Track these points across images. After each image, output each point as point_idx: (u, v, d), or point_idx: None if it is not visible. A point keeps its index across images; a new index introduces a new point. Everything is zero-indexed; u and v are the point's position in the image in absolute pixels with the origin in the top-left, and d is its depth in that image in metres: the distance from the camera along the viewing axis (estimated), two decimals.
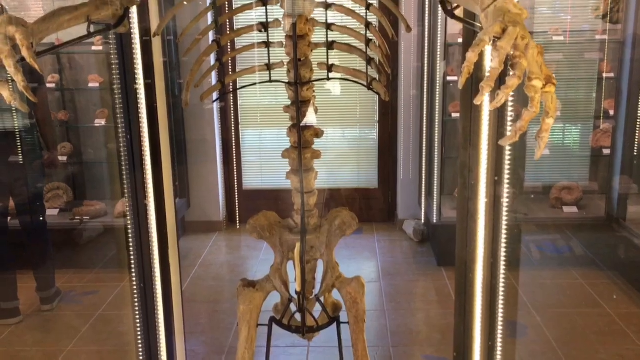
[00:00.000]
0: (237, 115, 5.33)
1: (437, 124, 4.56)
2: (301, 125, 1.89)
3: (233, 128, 5.34)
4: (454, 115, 4.52)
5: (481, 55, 1.87)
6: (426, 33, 4.70)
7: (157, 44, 2.26)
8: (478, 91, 1.01)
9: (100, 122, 4.67)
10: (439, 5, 1.48)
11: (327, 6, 1.83)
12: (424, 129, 4.95)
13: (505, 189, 2.36)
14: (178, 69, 5.07)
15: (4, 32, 1.13)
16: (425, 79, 4.83)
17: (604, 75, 4.47)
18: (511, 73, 1.01)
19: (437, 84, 4.52)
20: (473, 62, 1.00)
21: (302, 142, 1.90)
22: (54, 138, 4.04)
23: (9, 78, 1.17)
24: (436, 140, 4.58)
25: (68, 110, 4.86)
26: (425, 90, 4.86)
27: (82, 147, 4.95)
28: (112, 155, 4.74)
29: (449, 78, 4.53)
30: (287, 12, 1.81)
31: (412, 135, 5.16)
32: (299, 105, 1.86)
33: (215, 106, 5.14)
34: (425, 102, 4.84)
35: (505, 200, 2.37)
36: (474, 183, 2.31)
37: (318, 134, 1.95)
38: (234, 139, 5.37)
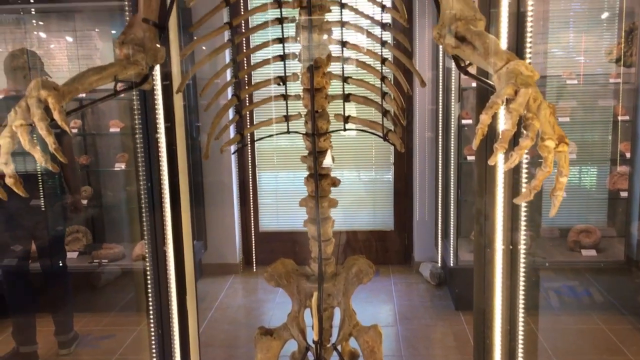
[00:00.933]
0: (254, 158, 5.40)
1: (452, 166, 4.58)
2: (318, 173, 1.92)
3: (250, 170, 5.40)
4: (469, 158, 4.54)
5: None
6: (440, 76, 4.77)
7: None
8: (493, 137, 1.04)
9: (120, 166, 4.76)
10: (452, 61, 1.53)
11: (344, 59, 1.89)
12: (440, 171, 4.98)
13: (522, 236, 2.36)
14: (196, 111, 5.18)
15: (36, 95, 1.19)
16: (440, 122, 4.88)
17: (619, 118, 4.48)
18: (524, 134, 1.04)
19: (452, 127, 4.57)
20: (487, 124, 1.04)
21: (319, 191, 1.93)
22: (77, 183, 4.12)
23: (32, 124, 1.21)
24: (452, 182, 4.60)
25: (89, 154, 4.96)
26: (440, 133, 4.90)
27: (102, 191, 5.03)
28: (132, 198, 4.81)
29: (463, 121, 4.57)
30: (304, 66, 1.87)
31: (428, 177, 5.18)
32: (316, 156, 1.90)
33: (233, 149, 5.21)
34: (440, 144, 4.88)
35: (522, 247, 2.37)
36: (490, 230, 2.31)
37: (335, 183, 1.98)
38: (250, 181, 5.42)
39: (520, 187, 2.19)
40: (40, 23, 4.69)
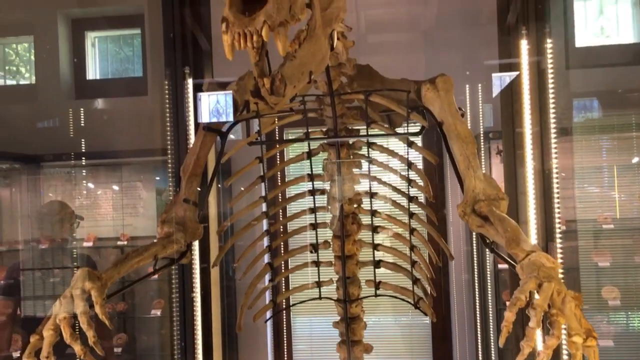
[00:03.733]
0: (289, 302, 5.37)
1: (490, 312, 4.46)
2: (350, 341, 1.92)
3: (284, 314, 5.35)
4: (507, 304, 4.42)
5: None
6: None
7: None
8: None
9: (156, 312, 4.79)
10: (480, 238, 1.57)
11: (374, 229, 1.96)
12: (478, 316, 4.84)
13: None
14: (232, 252, 5.25)
15: (81, 286, 1.26)
16: (476, 263, 4.83)
17: None
18: (550, 332, 1.05)
19: (488, 271, 4.51)
20: (511, 322, 1.05)
21: (352, 358, 1.91)
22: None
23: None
24: (491, 328, 4.45)
25: (127, 299, 5.03)
26: (476, 276, 4.83)
27: (137, 337, 5.02)
28: (165, 344, 4.78)
29: (499, 266, 4.52)
30: (334, 234, 1.94)
31: (467, 321, 5.04)
32: (347, 322, 1.91)
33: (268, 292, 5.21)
34: (477, 288, 4.79)
35: None
36: None
37: (367, 349, 1.97)
38: (285, 325, 5.35)
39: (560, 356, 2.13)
40: (90, 174, 4.99)
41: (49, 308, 1.27)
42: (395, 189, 1.89)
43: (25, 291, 4.88)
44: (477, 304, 4.80)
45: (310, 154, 1.91)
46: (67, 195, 4.86)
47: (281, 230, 1.99)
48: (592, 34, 5.13)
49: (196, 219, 1.68)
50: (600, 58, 4.87)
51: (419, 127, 1.80)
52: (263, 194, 1.86)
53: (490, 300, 4.50)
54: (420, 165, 1.96)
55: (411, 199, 1.85)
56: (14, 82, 5.73)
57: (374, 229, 1.95)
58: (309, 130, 1.89)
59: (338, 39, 1.75)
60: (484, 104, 3.84)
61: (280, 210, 2.02)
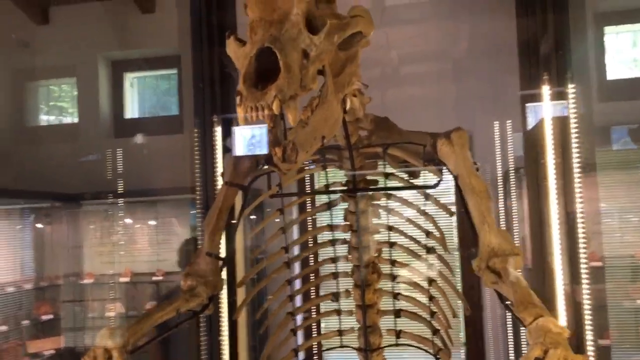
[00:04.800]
0: (311, 350, 5.35)
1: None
2: None
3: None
4: None
5: None
6: None
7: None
8: None
9: None
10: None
11: (394, 277, 1.98)
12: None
13: None
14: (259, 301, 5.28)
15: (103, 346, 1.33)
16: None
17: None
18: None
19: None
20: None
21: None
22: None
23: None
24: None
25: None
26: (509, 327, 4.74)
27: None
28: None
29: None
30: (355, 283, 1.97)
31: None
32: None
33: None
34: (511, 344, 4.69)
35: None
36: None
37: None
38: None
39: None
40: (127, 211, 5.14)
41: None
42: (413, 240, 1.91)
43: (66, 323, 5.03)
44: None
45: (330, 205, 1.96)
46: (105, 232, 5.01)
47: (302, 280, 2.03)
48: (625, 67, 5.09)
49: (218, 272, 1.74)
50: (635, 90, 4.80)
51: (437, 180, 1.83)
52: (284, 244, 1.91)
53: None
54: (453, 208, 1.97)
55: (429, 250, 1.88)
56: (57, 122, 5.98)
57: (394, 278, 1.97)
58: (329, 182, 1.95)
59: (355, 95, 1.80)
60: (508, 143, 3.84)
61: (301, 260, 2.06)
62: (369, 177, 1.96)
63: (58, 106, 6.04)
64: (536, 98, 2.46)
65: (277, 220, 1.94)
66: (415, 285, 1.93)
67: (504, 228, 3.65)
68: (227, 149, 2.38)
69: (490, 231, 1.60)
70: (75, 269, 5.07)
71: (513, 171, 3.90)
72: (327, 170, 1.96)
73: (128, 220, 5.20)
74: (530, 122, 2.53)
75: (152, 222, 5.24)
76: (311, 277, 2.04)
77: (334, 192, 1.93)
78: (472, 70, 4.48)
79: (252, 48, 1.28)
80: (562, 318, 2.44)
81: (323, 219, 2.03)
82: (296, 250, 2.02)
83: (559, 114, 2.35)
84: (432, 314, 1.90)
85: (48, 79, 5.98)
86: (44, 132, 5.85)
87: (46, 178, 4.97)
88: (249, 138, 1.82)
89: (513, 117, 3.56)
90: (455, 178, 1.71)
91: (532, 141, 2.49)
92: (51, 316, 4.96)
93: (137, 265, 5.10)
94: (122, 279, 5.00)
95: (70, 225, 5.05)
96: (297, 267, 1.99)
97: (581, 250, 2.37)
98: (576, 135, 2.33)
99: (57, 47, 5.77)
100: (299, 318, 2.00)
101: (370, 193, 1.94)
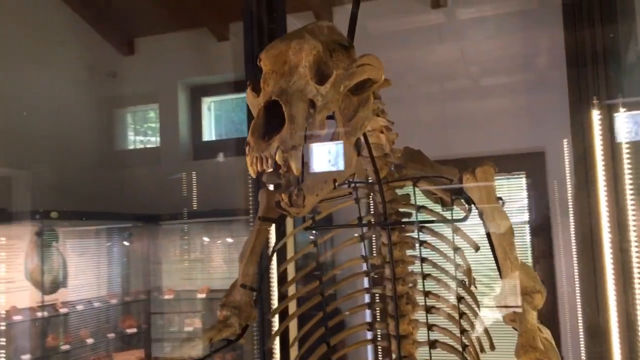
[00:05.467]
0: None
1: None
2: None
3: None
4: None
5: None
6: None
7: None
8: None
9: None
10: None
11: (427, 309, 2.00)
12: None
13: None
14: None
15: None
16: None
17: None
18: None
19: None
20: None
21: None
22: None
23: None
24: None
25: None
26: None
27: None
28: None
29: None
30: (390, 314, 2.00)
31: None
32: None
33: None
34: None
35: None
36: None
37: None
38: None
39: None
40: (203, 230, 5.40)
41: None
42: (444, 272, 1.92)
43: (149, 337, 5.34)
44: None
45: (363, 237, 2.01)
46: (183, 250, 5.28)
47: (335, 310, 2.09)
48: None
49: (252, 303, 1.83)
50: None
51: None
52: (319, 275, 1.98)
53: None
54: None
55: (459, 283, 1.88)
56: (141, 146, 6.38)
57: (428, 310, 1.98)
58: (362, 216, 2.00)
59: (382, 132, 1.86)
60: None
61: (335, 291, 2.12)
62: (401, 210, 1.99)
63: (142, 131, 6.45)
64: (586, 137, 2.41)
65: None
66: (449, 317, 1.94)
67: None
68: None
69: (513, 267, 1.59)
70: (156, 285, 5.38)
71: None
72: (360, 203, 2.01)
73: (205, 239, 5.46)
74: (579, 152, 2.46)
75: (229, 240, 5.45)
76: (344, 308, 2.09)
77: (366, 225, 1.98)
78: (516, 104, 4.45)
79: (262, 100, 1.38)
80: (616, 344, 2.34)
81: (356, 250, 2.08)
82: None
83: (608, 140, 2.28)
84: (464, 347, 1.90)
85: (134, 105, 6.41)
86: (129, 156, 6.27)
87: (129, 201, 5.33)
88: (326, 155, 1.91)
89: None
90: (480, 214, 1.72)
91: (581, 168, 2.42)
92: (135, 330, 5.27)
93: (214, 282, 5.33)
94: (200, 295, 5.24)
95: (152, 243, 5.37)
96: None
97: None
98: (629, 164, 2.25)
99: (142, 75, 6.19)
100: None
101: (403, 225, 1.98)
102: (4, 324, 4.08)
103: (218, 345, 1.76)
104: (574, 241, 3.13)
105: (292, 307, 2.23)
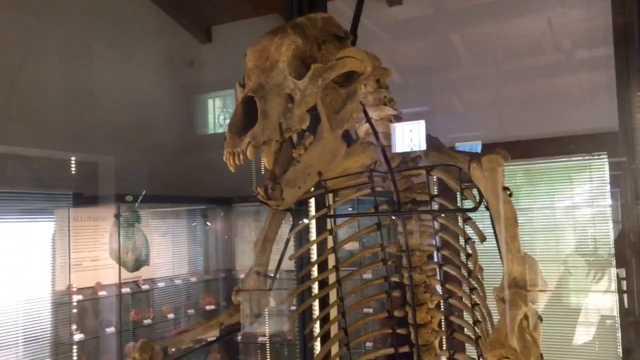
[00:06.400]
0: None
1: None
2: None
3: None
4: None
5: None
6: None
7: None
8: None
9: None
10: None
11: (446, 298, 1.97)
12: None
13: None
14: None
15: (133, 357, 1.55)
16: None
17: None
18: None
19: None
20: None
21: None
22: None
23: None
24: None
25: None
26: None
27: None
28: None
29: None
30: (408, 303, 1.99)
31: None
32: None
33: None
34: None
35: None
36: None
37: None
38: None
39: None
40: None
41: None
42: (460, 262, 1.88)
43: None
44: None
45: (380, 226, 2.00)
46: (254, 229, 5.46)
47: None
48: None
49: (265, 289, 1.89)
50: None
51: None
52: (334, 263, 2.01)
53: None
54: None
55: (470, 273, 1.83)
56: (221, 131, 6.60)
57: (446, 299, 1.95)
58: (377, 204, 1.99)
59: (391, 121, 1.84)
60: None
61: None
62: (418, 199, 1.96)
63: (219, 117, 6.67)
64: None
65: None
66: (465, 306, 1.90)
67: None
68: None
69: (514, 259, 1.54)
70: (233, 264, 5.61)
71: None
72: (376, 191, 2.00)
73: None
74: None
75: (305, 221, 5.55)
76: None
77: (381, 214, 1.97)
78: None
79: (240, 96, 1.42)
80: None
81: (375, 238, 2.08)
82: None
83: None
84: (477, 338, 1.86)
85: (213, 91, 6.63)
86: (206, 141, 6.51)
87: (206, 184, 5.56)
88: (408, 134, 1.94)
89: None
90: (486, 203, 1.67)
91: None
92: (213, 306, 5.54)
93: (285, 261, 5.46)
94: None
95: (226, 224, 5.60)
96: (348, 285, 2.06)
97: None
98: None
99: (219, 62, 6.38)
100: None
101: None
102: (81, 297, 4.42)
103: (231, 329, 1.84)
104: None
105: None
